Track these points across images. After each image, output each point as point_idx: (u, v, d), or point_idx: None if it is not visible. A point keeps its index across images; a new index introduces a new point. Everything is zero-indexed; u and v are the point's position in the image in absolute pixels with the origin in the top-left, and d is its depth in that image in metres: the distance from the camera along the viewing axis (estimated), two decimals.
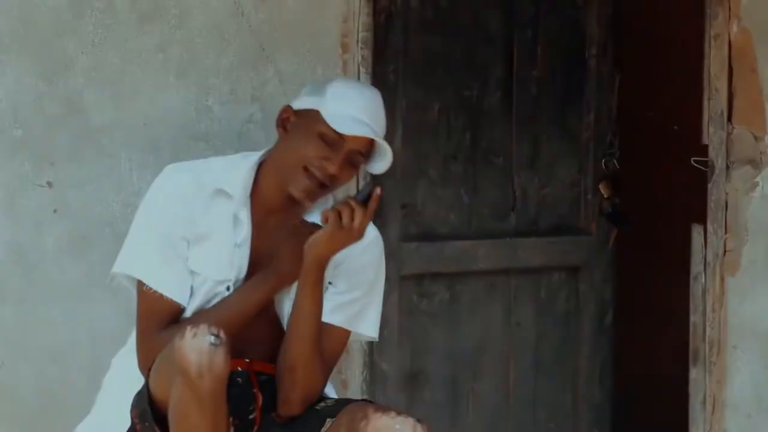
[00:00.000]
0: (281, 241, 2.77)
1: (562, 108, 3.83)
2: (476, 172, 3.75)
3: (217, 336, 2.56)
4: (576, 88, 3.83)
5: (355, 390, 3.38)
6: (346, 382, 3.36)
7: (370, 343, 3.49)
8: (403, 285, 3.66)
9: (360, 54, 3.33)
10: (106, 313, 3.11)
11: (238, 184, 2.78)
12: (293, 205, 2.79)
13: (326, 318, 2.79)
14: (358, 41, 3.33)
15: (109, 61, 3.12)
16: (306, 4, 3.27)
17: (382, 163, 2.80)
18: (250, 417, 2.77)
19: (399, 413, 2.68)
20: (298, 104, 2.81)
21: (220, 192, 2.78)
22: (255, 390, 2.78)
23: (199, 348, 2.54)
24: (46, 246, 3.10)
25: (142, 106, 3.15)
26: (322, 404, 2.80)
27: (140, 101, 3.14)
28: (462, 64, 3.70)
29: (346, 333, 2.85)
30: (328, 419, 2.75)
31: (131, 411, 2.74)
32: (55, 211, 3.11)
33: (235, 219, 2.78)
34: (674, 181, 3.75)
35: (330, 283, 2.82)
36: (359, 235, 2.69)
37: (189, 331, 2.56)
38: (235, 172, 2.79)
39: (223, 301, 2.77)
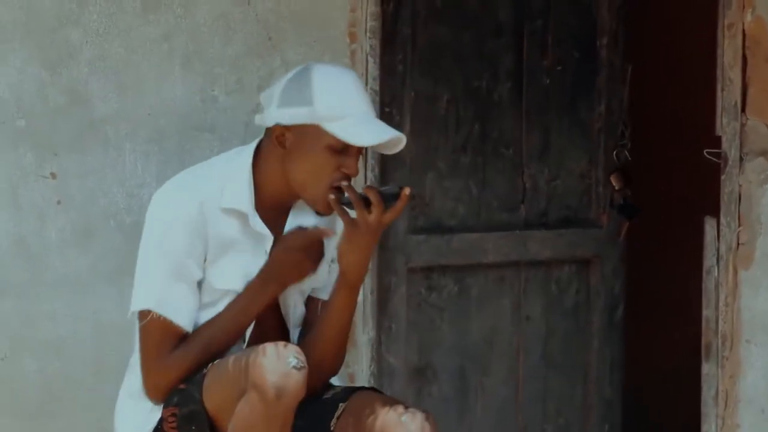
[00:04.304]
0: (276, 247, 2.75)
1: (573, 99, 3.79)
2: (485, 164, 3.72)
3: (298, 358, 2.56)
4: (587, 79, 3.80)
5: (363, 384, 3.35)
6: (354, 375, 3.34)
7: (378, 337, 3.48)
8: (411, 278, 3.63)
9: (368, 44, 3.31)
10: (110, 305, 3.09)
11: (244, 199, 2.75)
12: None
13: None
14: (366, 31, 3.30)
15: (114, 51, 3.10)
16: None
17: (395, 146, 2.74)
18: None
19: (407, 408, 2.65)
20: (288, 119, 2.71)
21: (228, 211, 2.75)
22: None
23: (281, 370, 2.54)
24: (50, 238, 3.08)
25: (146, 96, 3.13)
26: (332, 392, 2.80)
27: (145, 91, 3.12)
28: (471, 54, 3.67)
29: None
30: (340, 404, 2.75)
31: (165, 409, 2.72)
32: (58, 202, 3.09)
33: (254, 233, 2.76)
34: (687, 172, 3.72)
35: (333, 260, 2.80)
36: (379, 228, 2.64)
37: (272, 351, 2.55)
38: (234, 185, 2.75)
39: (228, 309, 2.76)
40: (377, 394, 2.78)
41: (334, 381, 2.89)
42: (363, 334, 3.36)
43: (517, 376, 3.78)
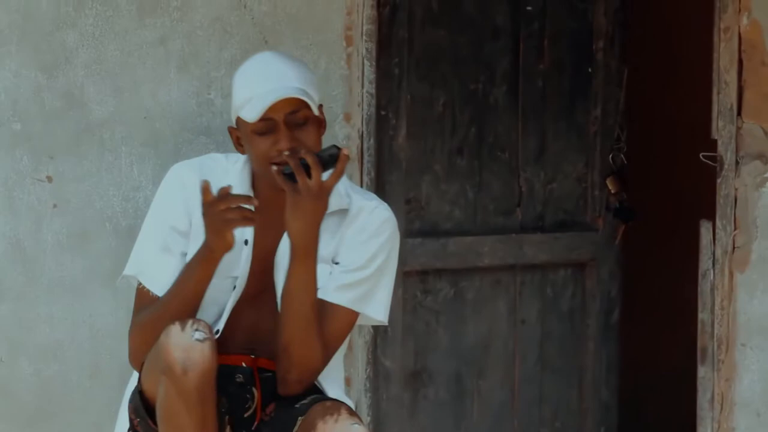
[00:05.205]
0: (204, 215, 2.68)
1: (569, 102, 3.80)
2: (482, 167, 3.72)
3: (202, 331, 2.55)
4: (583, 82, 3.80)
5: (359, 387, 3.36)
6: (350, 379, 3.33)
7: (374, 340, 3.47)
8: (407, 281, 3.63)
9: (364, 47, 3.30)
10: (106, 308, 3.09)
11: (237, 186, 2.76)
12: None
13: (330, 297, 2.75)
14: (362, 34, 3.30)
15: (110, 54, 3.10)
16: None
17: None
18: (246, 415, 2.73)
19: (355, 421, 2.62)
20: (232, 121, 2.81)
21: None
22: (254, 387, 2.75)
23: (183, 344, 2.53)
24: (46, 241, 3.08)
25: (142, 100, 3.12)
26: (301, 402, 2.73)
27: (141, 94, 3.12)
28: (468, 57, 3.67)
29: (353, 314, 2.78)
30: (299, 418, 2.70)
31: (129, 407, 2.73)
32: (54, 205, 3.08)
33: None
34: (683, 176, 3.72)
35: (336, 262, 2.77)
36: (320, 192, 2.62)
37: (174, 328, 2.55)
38: (233, 173, 2.78)
39: (173, 283, 2.74)
40: (328, 408, 2.68)
41: (332, 388, 2.84)
42: (359, 337, 3.36)
43: (513, 379, 3.78)
